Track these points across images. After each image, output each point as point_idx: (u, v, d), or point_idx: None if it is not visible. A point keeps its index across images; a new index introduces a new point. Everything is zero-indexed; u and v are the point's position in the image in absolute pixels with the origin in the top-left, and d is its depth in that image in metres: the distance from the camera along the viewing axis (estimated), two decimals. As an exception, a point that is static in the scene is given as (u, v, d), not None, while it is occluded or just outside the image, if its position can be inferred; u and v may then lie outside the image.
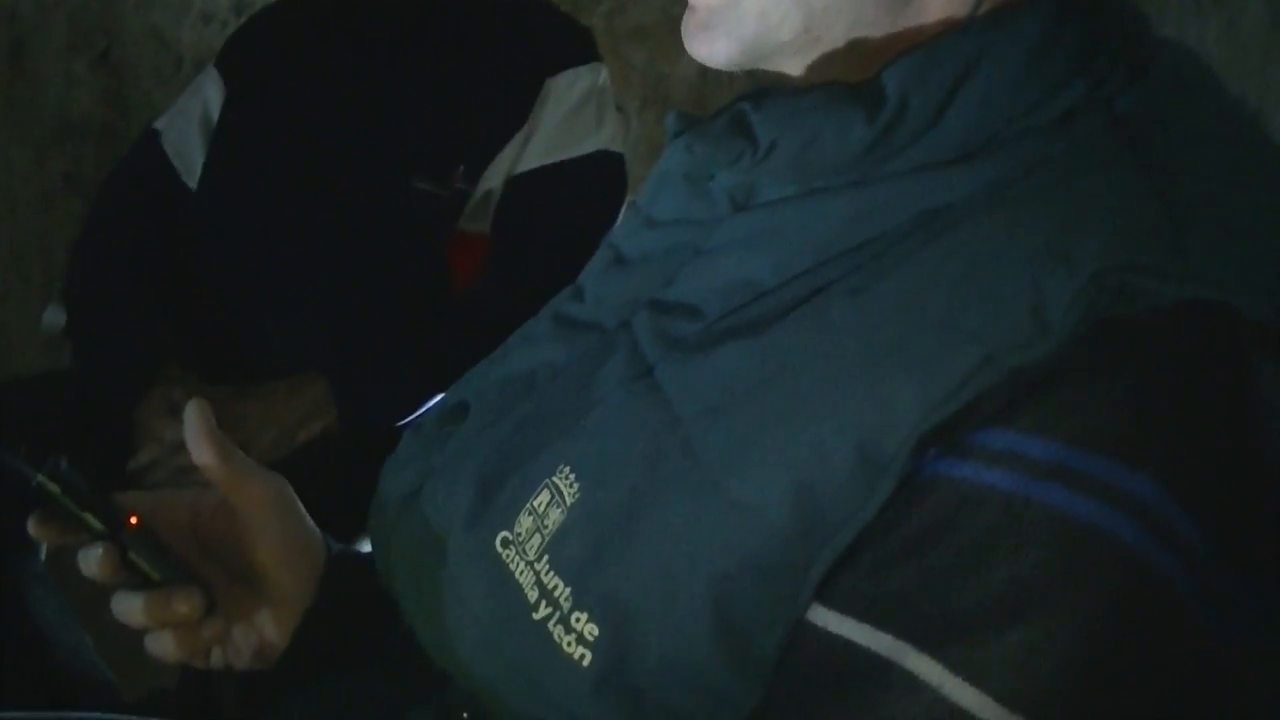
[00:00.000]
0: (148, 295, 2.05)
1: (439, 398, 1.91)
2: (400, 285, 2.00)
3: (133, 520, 0.97)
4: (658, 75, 2.80)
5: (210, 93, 2.18)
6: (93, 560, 0.95)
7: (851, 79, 0.82)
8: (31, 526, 0.97)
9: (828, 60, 0.83)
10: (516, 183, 2.03)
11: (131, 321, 2.03)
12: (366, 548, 1.06)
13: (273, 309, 2.03)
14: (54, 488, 0.95)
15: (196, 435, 1.01)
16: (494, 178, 2.03)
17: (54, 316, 2.22)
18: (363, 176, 2.02)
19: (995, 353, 0.70)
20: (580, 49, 2.11)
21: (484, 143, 2.03)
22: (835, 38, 0.82)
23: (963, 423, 0.70)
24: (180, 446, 1.05)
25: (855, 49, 0.82)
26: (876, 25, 0.81)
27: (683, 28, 0.87)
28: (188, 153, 2.16)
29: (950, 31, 0.80)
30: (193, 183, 2.14)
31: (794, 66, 0.84)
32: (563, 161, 2.03)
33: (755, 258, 0.83)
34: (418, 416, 1.89)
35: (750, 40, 0.83)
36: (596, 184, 2.06)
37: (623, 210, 2.07)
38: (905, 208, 0.78)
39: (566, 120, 2.04)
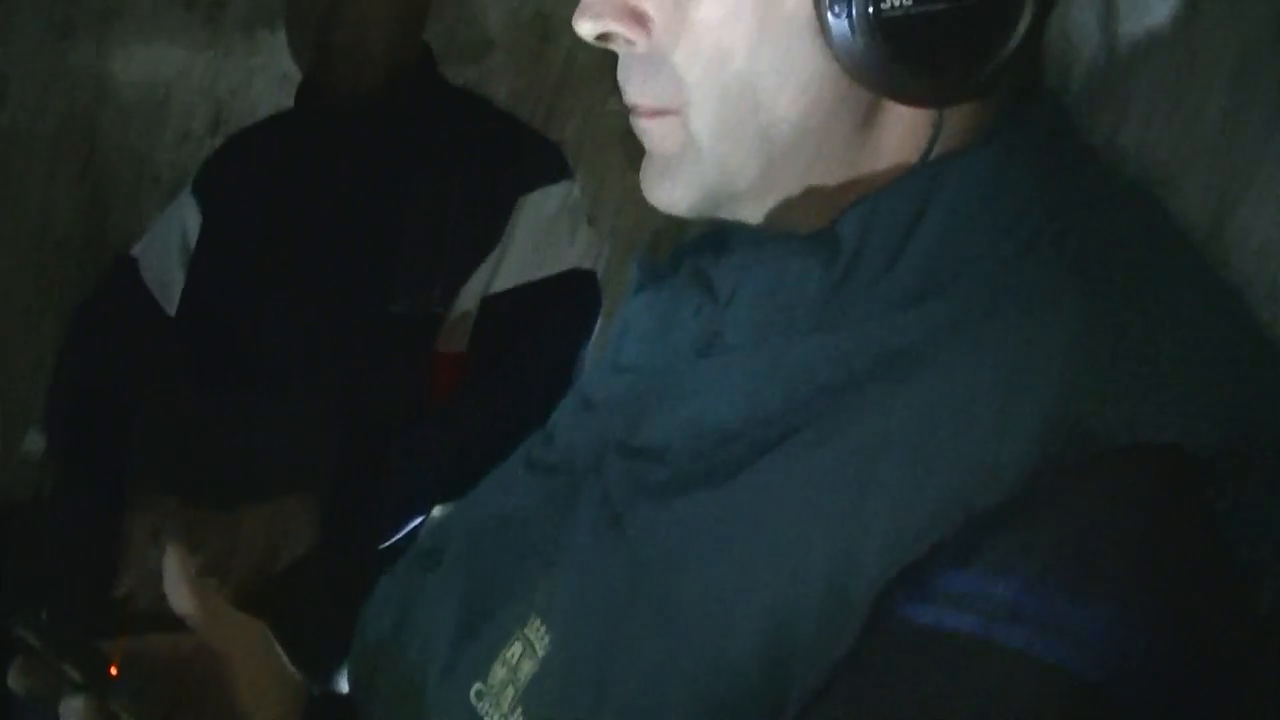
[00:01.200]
0: (128, 423, 2.06)
1: (418, 521, 1.93)
2: (379, 406, 2.01)
3: (113, 669, 0.97)
4: (633, 183, 2.80)
5: (187, 219, 2.20)
6: (73, 712, 0.96)
7: (808, 223, 0.84)
8: (11, 678, 0.97)
9: (785, 206, 0.84)
10: (491, 303, 2.05)
11: (112, 450, 2.04)
12: (345, 684, 1.07)
13: (254, 431, 2.03)
14: (33, 640, 0.95)
15: (175, 584, 1.02)
16: (469, 298, 2.04)
17: (35, 442, 2.22)
18: (340, 300, 2.03)
19: (957, 495, 0.71)
20: (552, 167, 2.13)
21: (458, 263, 2.04)
22: (792, 185, 0.84)
23: (926, 564, 0.71)
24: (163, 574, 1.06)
25: (811, 195, 0.84)
26: (832, 172, 0.83)
27: (642, 175, 0.88)
28: (166, 280, 2.17)
29: (903, 175, 0.82)
30: (171, 309, 2.16)
31: (752, 213, 0.86)
32: (536, 281, 2.05)
33: (720, 404, 0.84)
34: (398, 539, 1.91)
35: (709, 188, 0.85)
36: (570, 302, 2.08)
37: (598, 324, 2.09)
38: (867, 350, 0.79)
39: (539, 239, 2.06)
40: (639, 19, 0.84)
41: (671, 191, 0.86)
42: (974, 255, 0.79)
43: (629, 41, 0.84)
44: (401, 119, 2.11)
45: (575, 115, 2.92)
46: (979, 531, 0.71)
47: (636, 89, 0.86)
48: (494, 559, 0.93)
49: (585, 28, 0.85)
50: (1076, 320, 0.75)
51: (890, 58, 0.77)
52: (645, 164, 0.88)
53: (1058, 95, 0.87)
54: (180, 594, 1.01)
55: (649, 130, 0.87)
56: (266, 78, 2.89)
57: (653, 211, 0.88)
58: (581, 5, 0.85)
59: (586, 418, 0.95)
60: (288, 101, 2.25)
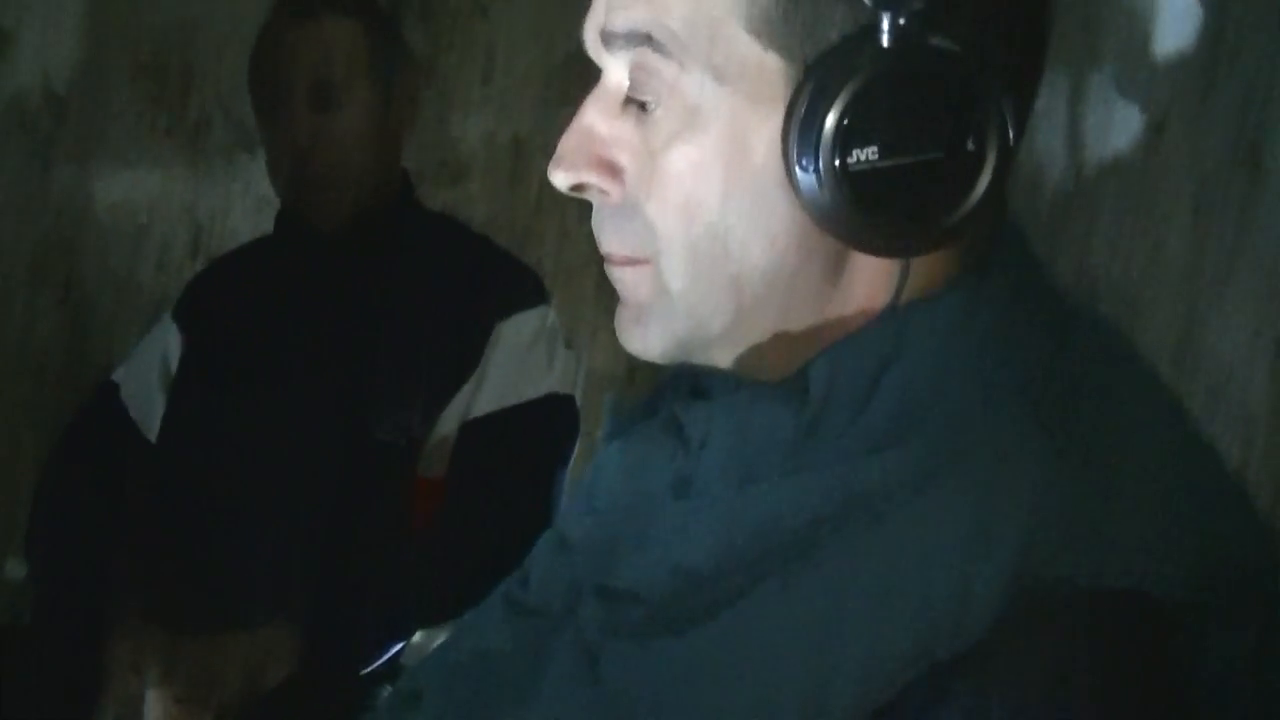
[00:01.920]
0: (109, 551, 2.06)
1: (400, 646, 1.93)
2: (360, 532, 2.01)
3: None
4: (607, 306, 2.82)
5: (168, 344, 2.20)
6: None
7: (779, 368, 0.86)
8: None
9: (755, 351, 0.86)
10: (471, 428, 2.06)
11: (93, 578, 2.03)
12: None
13: (235, 558, 2.03)
14: None
15: None
16: (448, 424, 2.05)
17: (16, 569, 2.22)
18: (320, 425, 2.04)
19: (924, 643, 0.73)
20: (528, 292, 2.14)
21: (437, 389, 2.05)
22: (762, 331, 0.85)
23: (894, 710, 0.73)
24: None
25: (782, 340, 0.85)
26: (801, 318, 0.85)
27: (616, 322, 0.90)
28: (147, 406, 2.18)
29: (870, 322, 0.84)
30: (153, 435, 2.16)
31: (724, 358, 0.87)
32: (515, 406, 2.06)
33: (694, 547, 0.85)
34: (380, 665, 1.90)
35: (682, 334, 0.87)
36: (548, 427, 2.09)
37: (577, 446, 2.11)
38: (834, 497, 0.80)
39: (517, 364, 2.07)
40: (612, 170, 0.86)
41: (645, 338, 0.88)
42: (939, 403, 0.81)
43: (603, 192, 0.86)
44: (380, 245, 2.12)
45: (551, 237, 2.95)
46: (945, 678, 0.72)
47: (610, 238, 0.88)
48: (471, 699, 0.93)
49: (560, 179, 0.87)
50: (1039, 468, 0.77)
51: (858, 210, 0.79)
52: (619, 310, 0.90)
53: (1022, 232, 0.89)
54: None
55: (622, 279, 0.89)
56: (246, 202, 2.91)
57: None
58: (556, 156, 0.87)
59: (562, 558, 0.96)
60: (267, 225, 2.27)
